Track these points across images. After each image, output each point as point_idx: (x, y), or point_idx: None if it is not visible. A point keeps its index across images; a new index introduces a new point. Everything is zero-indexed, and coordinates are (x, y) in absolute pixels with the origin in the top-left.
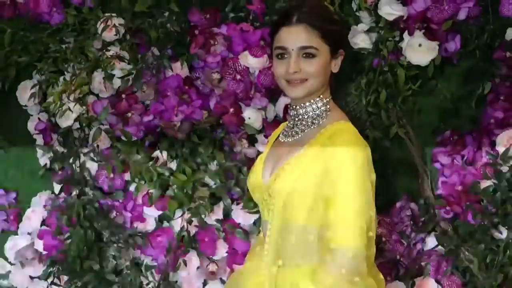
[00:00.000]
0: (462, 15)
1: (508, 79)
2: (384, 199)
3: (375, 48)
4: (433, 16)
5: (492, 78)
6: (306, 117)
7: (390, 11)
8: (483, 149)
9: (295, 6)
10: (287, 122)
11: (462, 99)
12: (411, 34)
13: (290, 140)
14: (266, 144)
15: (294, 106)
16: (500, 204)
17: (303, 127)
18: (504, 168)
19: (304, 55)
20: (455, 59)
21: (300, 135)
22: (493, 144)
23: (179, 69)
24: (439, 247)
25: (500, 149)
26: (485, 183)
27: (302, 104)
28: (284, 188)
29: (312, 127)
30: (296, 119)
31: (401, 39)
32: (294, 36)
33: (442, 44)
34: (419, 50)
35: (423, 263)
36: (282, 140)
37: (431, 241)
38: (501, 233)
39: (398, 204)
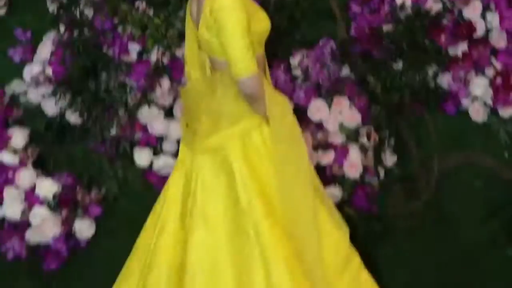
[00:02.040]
0: None
1: None
2: (310, 38)
3: None
4: None
5: None
6: None
7: None
8: (385, 1)
9: None
10: None
11: None
12: None
13: None
14: None
15: None
16: (397, 42)
17: None
18: (402, 14)
19: None
20: None
21: None
22: None
23: None
24: (352, 74)
25: (398, 1)
26: (387, 26)
27: None
28: None
29: None
30: None
31: None
32: None
33: None
34: None
35: (339, 86)
36: None
37: (345, 70)
38: (397, 64)
39: (321, 42)
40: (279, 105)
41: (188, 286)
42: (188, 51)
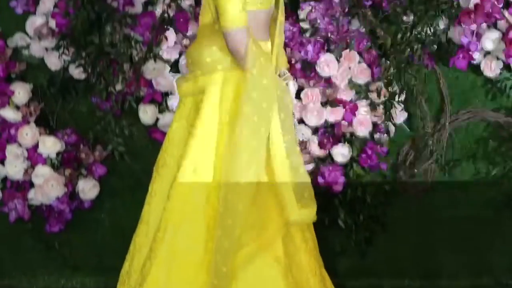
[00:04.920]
0: None
1: None
2: None
3: None
4: None
5: None
6: None
7: None
8: None
9: None
10: None
11: None
12: None
13: None
14: None
15: None
16: None
17: None
18: None
19: None
20: None
21: None
22: None
23: None
24: (362, 28)
25: None
26: None
27: None
28: None
29: None
30: None
31: None
32: None
33: None
34: None
35: (348, 39)
36: None
37: (355, 23)
38: (408, 17)
39: None
40: (258, 68)
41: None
42: None
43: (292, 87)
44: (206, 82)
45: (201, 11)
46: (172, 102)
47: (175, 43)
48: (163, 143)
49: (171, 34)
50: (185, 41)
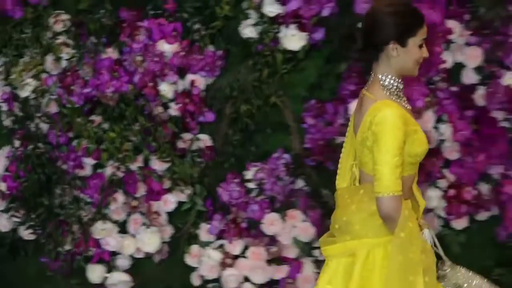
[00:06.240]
0: (326, 12)
1: (358, 61)
2: (264, 151)
3: (260, 37)
4: (303, 13)
5: (347, 59)
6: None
7: (271, 9)
8: (339, 113)
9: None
10: (390, 96)
11: (324, 76)
12: (287, 26)
13: (410, 107)
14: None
15: (399, 81)
16: None
17: (405, 97)
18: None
19: None
20: (319, 46)
21: (409, 104)
22: (346, 110)
23: (112, 53)
24: (306, 187)
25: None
26: (340, 139)
27: (402, 81)
28: None
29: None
30: (402, 92)
31: (279, 30)
32: (427, 30)
33: (310, 34)
34: (293, 39)
35: (293, 199)
36: (408, 107)
37: (300, 183)
38: None
39: (275, 155)
40: (406, 232)
41: None
42: (342, 160)
43: (428, 234)
44: (357, 247)
45: (339, 174)
46: (120, 261)
47: (124, 203)
48: None
49: (119, 195)
50: (134, 202)
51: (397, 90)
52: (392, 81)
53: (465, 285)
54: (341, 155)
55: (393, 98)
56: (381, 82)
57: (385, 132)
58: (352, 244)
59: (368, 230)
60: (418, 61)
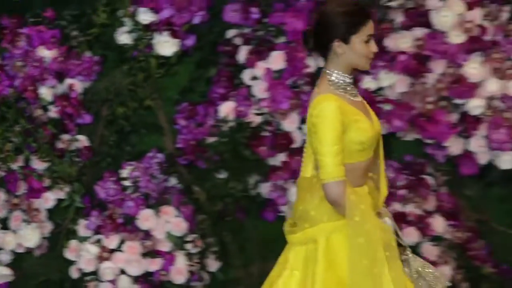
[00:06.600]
0: (196, 20)
1: (227, 65)
2: (139, 151)
3: (135, 44)
4: (175, 21)
5: (217, 65)
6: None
7: (145, 17)
8: (209, 115)
9: (365, 6)
10: (334, 90)
11: (195, 80)
12: (160, 33)
13: (359, 99)
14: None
15: (348, 76)
16: (221, 153)
17: (354, 91)
18: (225, 127)
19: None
20: (191, 51)
21: (358, 97)
22: (216, 112)
23: None
24: (179, 184)
25: (222, 115)
26: (210, 139)
27: (351, 75)
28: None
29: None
30: (350, 86)
31: (153, 37)
32: (374, 26)
33: (182, 40)
34: (166, 45)
35: (167, 196)
36: (355, 99)
37: (172, 180)
38: (221, 174)
39: (149, 154)
40: (359, 215)
41: None
42: (305, 150)
43: (389, 222)
44: (315, 233)
45: (303, 164)
46: (1, 256)
47: (6, 201)
48: None
49: (1, 193)
50: (15, 200)
51: (344, 84)
52: (339, 76)
53: (424, 269)
54: (305, 145)
55: (339, 92)
56: (328, 77)
57: (323, 124)
58: (312, 231)
59: (323, 214)
60: (367, 56)
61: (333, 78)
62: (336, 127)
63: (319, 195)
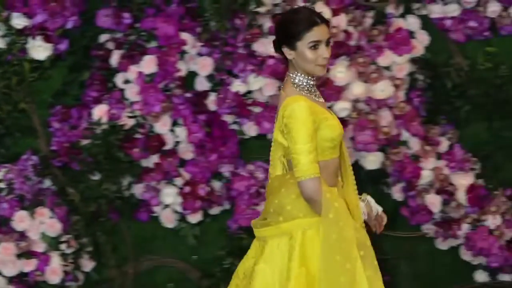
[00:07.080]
0: (69, 25)
1: (100, 69)
2: (14, 153)
3: (9, 48)
4: (49, 25)
5: (90, 68)
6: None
7: (19, 22)
8: (83, 118)
9: (313, 12)
10: (300, 91)
11: (69, 83)
12: (34, 38)
13: (322, 100)
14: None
15: (311, 78)
16: (94, 155)
17: (317, 92)
18: (98, 129)
19: (326, 45)
20: (64, 56)
21: (321, 98)
22: (90, 115)
23: None
24: (53, 186)
25: (95, 117)
26: (84, 141)
27: (313, 78)
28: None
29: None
30: (313, 88)
31: (27, 41)
32: (324, 32)
33: (55, 45)
34: (39, 49)
35: (41, 197)
36: (319, 100)
37: (47, 182)
38: (95, 176)
39: (23, 157)
40: (333, 213)
41: None
42: (272, 153)
43: (370, 199)
44: (291, 228)
45: (271, 165)
46: None
47: None
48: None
49: None
50: None
51: (308, 86)
52: (301, 79)
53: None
54: (271, 148)
55: (304, 93)
56: (292, 80)
57: (295, 123)
58: (287, 226)
59: (299, 210)
60: (316, 62)
61: (296, 81)
62: (308, 126)
63: (295, 191)
